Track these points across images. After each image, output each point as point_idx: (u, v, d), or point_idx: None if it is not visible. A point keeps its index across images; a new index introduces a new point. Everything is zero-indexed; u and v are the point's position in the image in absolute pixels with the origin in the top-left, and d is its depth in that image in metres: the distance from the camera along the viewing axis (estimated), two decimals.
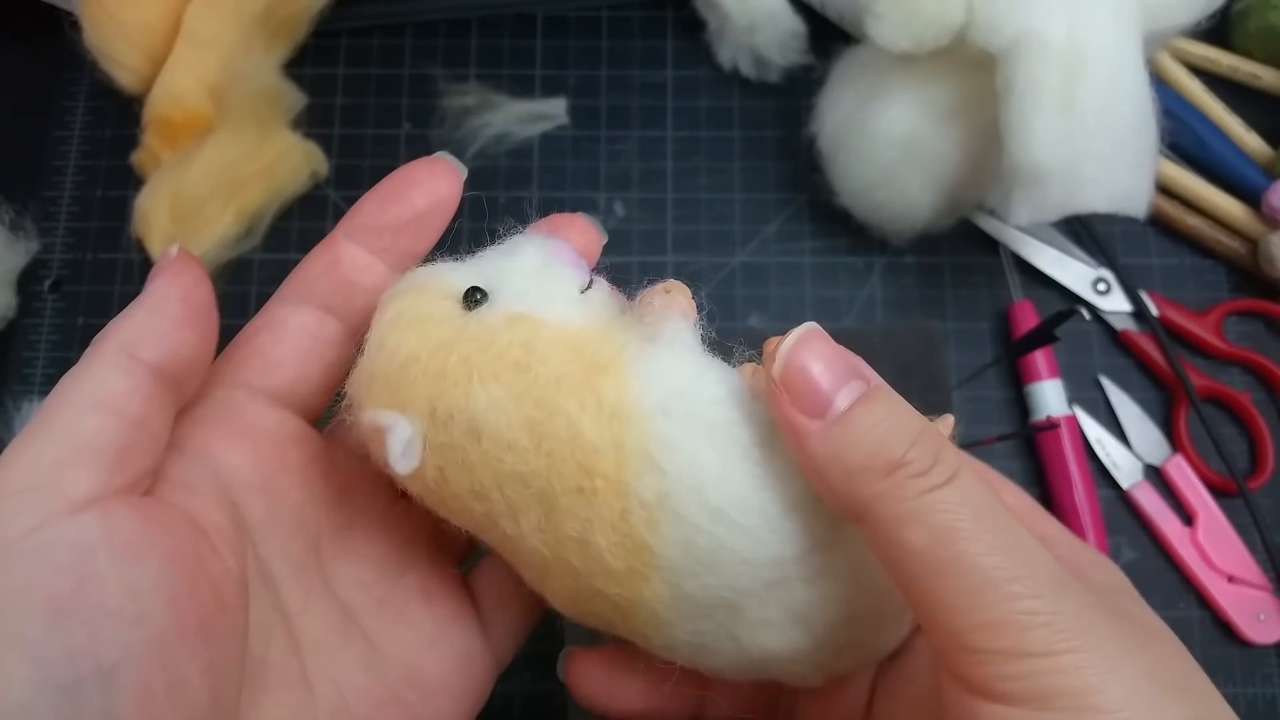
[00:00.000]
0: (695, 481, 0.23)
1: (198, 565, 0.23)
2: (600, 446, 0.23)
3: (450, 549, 0.31)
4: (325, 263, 0.29)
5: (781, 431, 0.23)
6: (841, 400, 0.22)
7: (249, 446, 0.26)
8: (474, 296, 0.25)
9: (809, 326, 0.24)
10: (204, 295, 0.26)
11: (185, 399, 0.26)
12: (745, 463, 0.23)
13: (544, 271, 0.25)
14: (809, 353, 0.23)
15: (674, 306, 0.25)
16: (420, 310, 0.25)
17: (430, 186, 0.29)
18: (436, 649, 0.28)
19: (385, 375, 0.24)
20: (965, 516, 0.21)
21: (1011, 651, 0.20)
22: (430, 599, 0.28)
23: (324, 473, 0.28)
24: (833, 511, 0.23)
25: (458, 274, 0.26)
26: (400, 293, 0.26)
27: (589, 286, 0.26)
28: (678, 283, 0.26)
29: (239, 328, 0.54)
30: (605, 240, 0.31)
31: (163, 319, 0.25)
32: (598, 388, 0.23)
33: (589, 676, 0.29)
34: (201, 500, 0.25)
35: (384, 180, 0.29)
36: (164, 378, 0.24)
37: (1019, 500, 0.30)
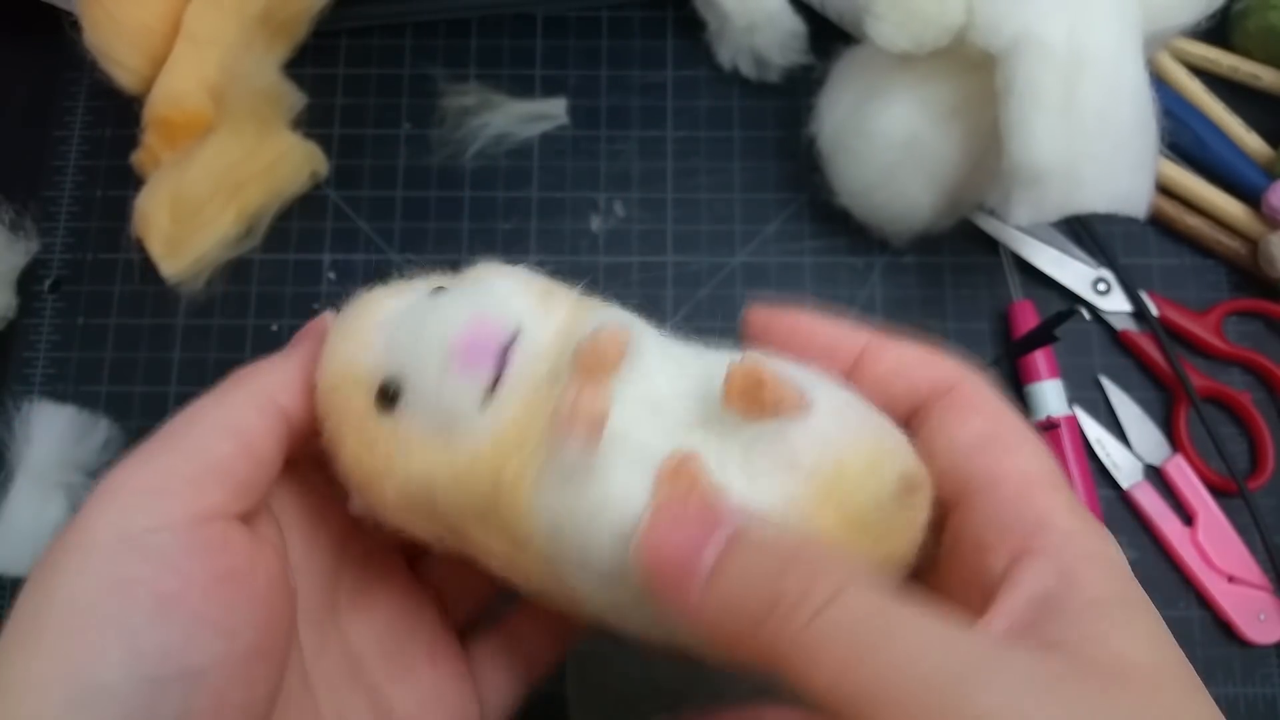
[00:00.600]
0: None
1: (285, 598, 0.25)
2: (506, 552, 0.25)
3: (455, 615, 0.32)
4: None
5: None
6: (708, 557, 0.21)
7: (298, 495, 0.28)
8: (387, 398, 0.25)
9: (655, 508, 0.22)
10: None
11: (293, 455, 0.27)
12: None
13: (443, 384, 0.24)
14: (661, 530, 0.22)
15: (588, 400, 0.23)
16: (343, 401, 0.26)
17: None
18: (437, 707, 0.29)
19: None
20: (862, 634, 0.19)
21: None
22: (435, 660, 0.30)
23: (353, 533, 0.30)
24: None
25: (373, 355, 0.25)
26: (329, 370, 0.26)
27: (495, 382, 0.24)
28: (610, 334, 0.23)
29: (239, 327, 0.54)
30: None
31: (306, 376, 0.27)
32: (498, 528, 0.24)
33: None
34: (274, 534, 0.26)
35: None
36: (290, 430, 0.26)
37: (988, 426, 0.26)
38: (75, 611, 0.22)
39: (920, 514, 0.24)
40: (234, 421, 0.25)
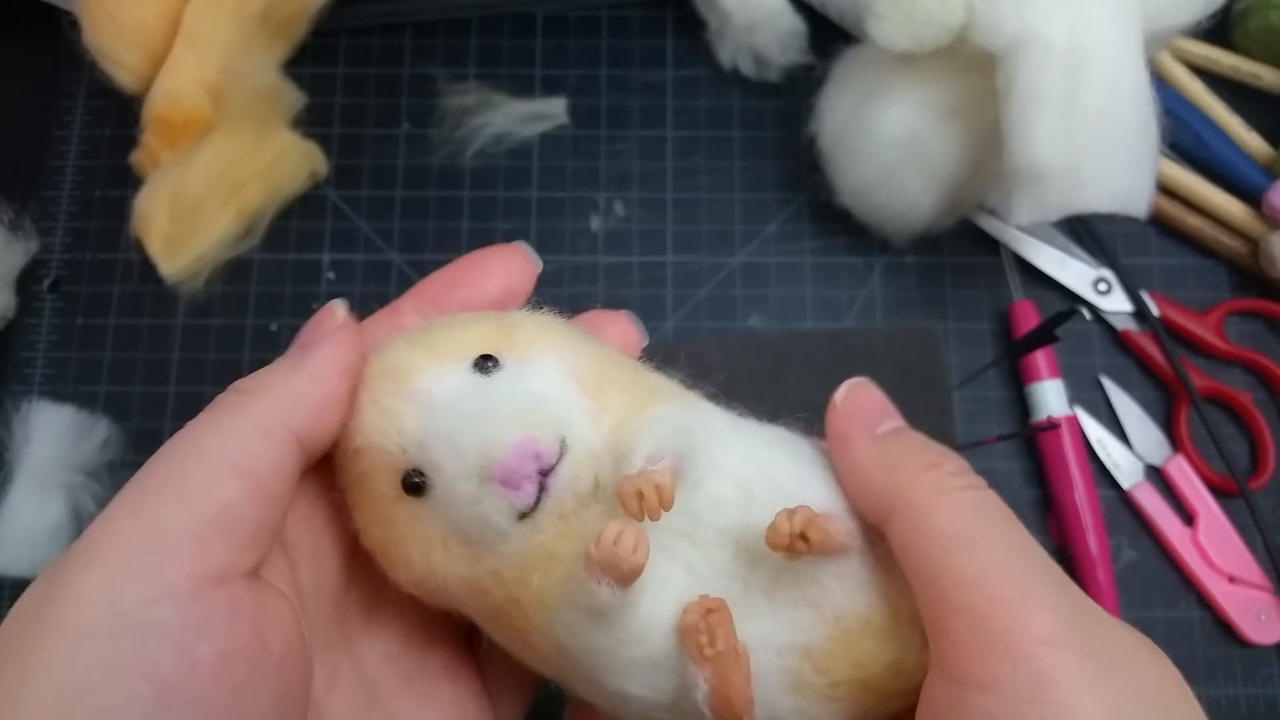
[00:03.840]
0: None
1: (301, 665, 0.22)
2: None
3: (465, 622, 0.30)
4: (388, 331, 0.27)
5: (833, 447, 0.26)
6: (885, 426, 0.26)
7: (304, 511, 0.25)
8: (414, 487, 0.23)
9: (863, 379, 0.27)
10: (359, 373, 0.25)
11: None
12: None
13: (478, 500, 0.23)
14: (863, 390, 0.26)
15: (626, 550, 0.21)
16: (368, 471, 0.24)
17: (504, 276, 0.28)
18: None
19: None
20: (991, 511, 0.23)
21: (1000, 637, 0.21)
22: (454, 676, 0.28)
23: (359, 546, 0.27)
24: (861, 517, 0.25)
25: (403, 434, 0.24)
26: (357, 432, 0.24)
27: (533, 507, 0.23)
28: (655, 479, 0.22)
29: (238, 327, 0.54)
30: (646, 342, 0.30)
31: (322, 393, 0.24)
32: (508, 627, 0.24)
33: None
34: (284, 573, 0.24)
35: (459, 260, 0.28)
36: (305, 453, 0.23)
37: None
38: (67, 698, 0.19)
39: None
40: (241, 456, 0.22)
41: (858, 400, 0.26)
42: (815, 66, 0.51)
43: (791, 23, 0.50)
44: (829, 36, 0.50)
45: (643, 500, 0.21)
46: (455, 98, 0.52)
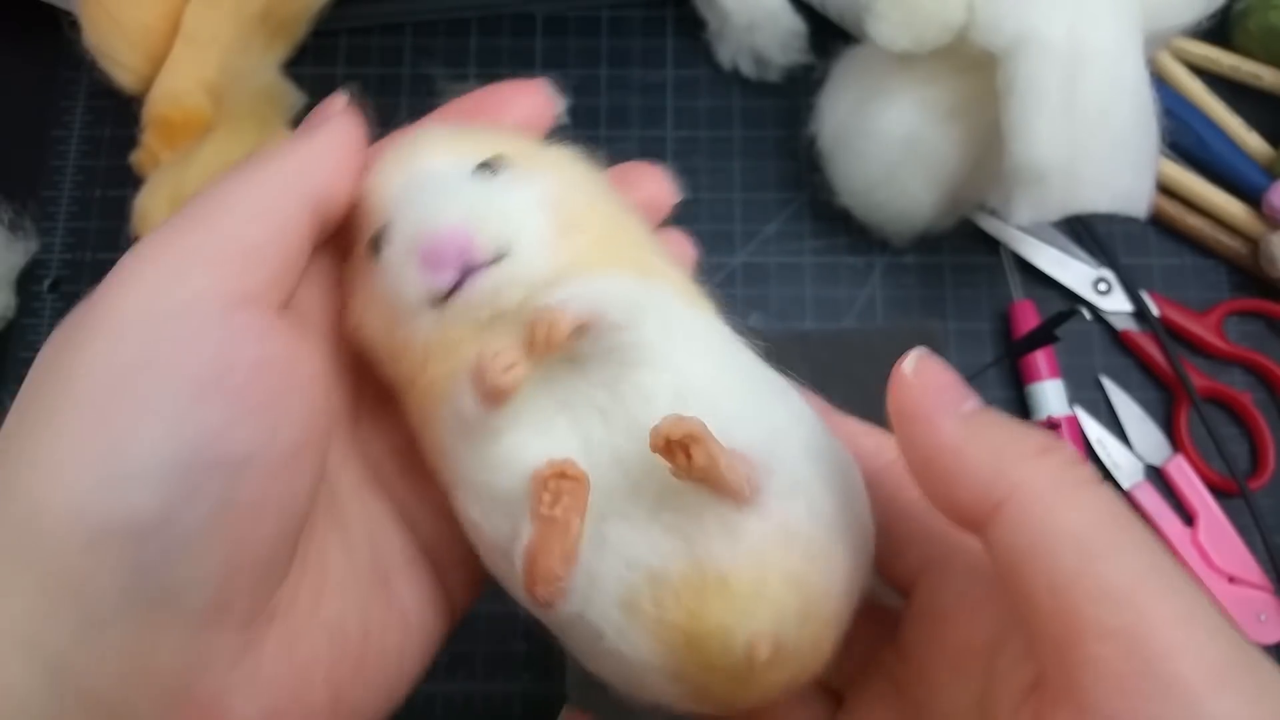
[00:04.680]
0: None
1: (326, 395, 0.23)
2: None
3: None
4: None
5: (905, 426, 0.22)
6: (968, 404, 0.21)
7: (322, 293, 0.26)
8: (374, 246, 0.24)
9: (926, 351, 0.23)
10: (365, 148, 0.25)
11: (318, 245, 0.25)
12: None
13: (403, 268, 0.23)
14: (935, 362, 0.22)
15: (500, 370, 0.21)
16: (357, 241, 0.25)
17: (523, 109, 0.27)
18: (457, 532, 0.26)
19: None
20: (1125, 513, 0.19)
21: (1160, 670, 0.17)
22: None
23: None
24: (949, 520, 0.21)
25: (390, 193, 0.24)
26: (366, 186, 0.25)
27: (444, 297, 0.23)
28: (551, 317, 0.22)
29: None
30: (675, 199, 0.30)
31: (334, 158, 0.24)
32: (412, 409, 0.25)
33: None
34: (310, 330, 0.24)
35: (478, 91, 0.27)
36: (319, 216, 0.24)
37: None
38: (106, 391, 0.20)
39: (765, 685, 0.22)
40: (266, 204, 0.22)
41: (933, 373, 0.22)
42: (815, 66, 0.51)
43: (791, 22, 0.50)
44: (829, 36, 0.50)
45: (533, 332, 0.22)
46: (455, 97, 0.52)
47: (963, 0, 0.41)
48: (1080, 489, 0.19)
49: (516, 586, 0.23)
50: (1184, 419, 0.48)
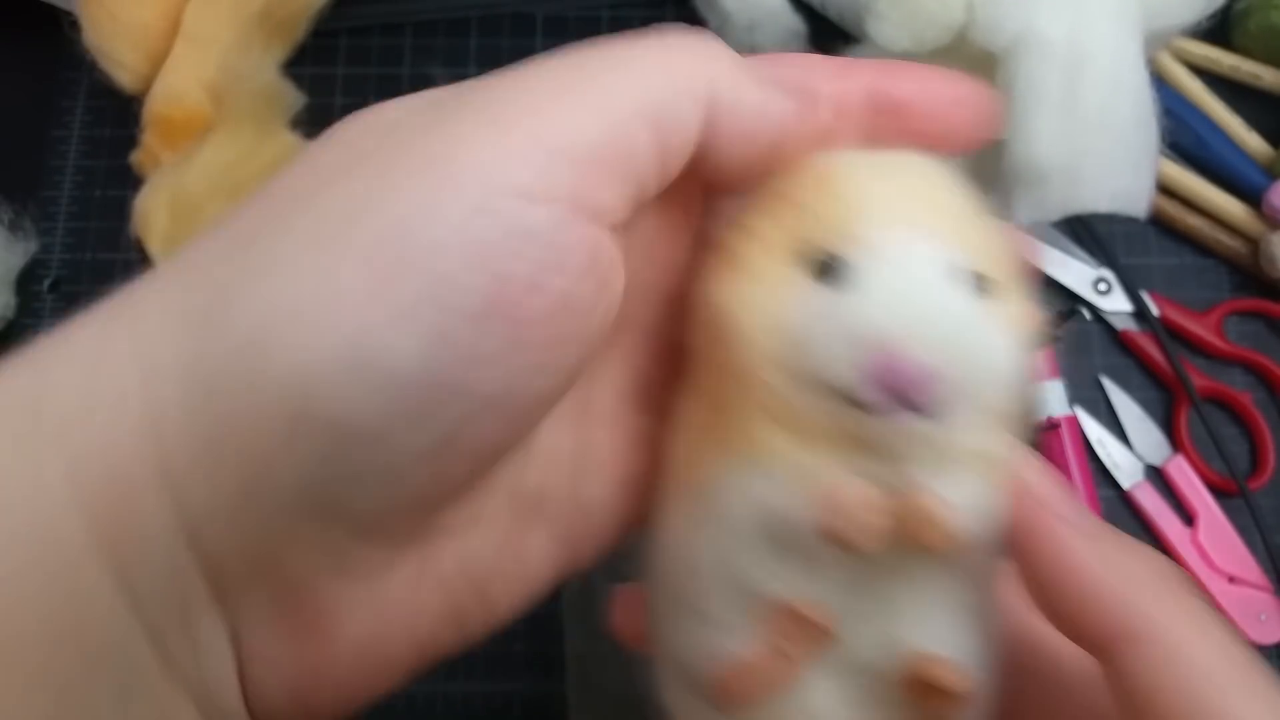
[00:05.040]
0: None
1: (596, 348, 0.20)
2: None
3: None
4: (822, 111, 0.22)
5: (1031, 542, 0.20)
6: (1085, 519, 0.20)
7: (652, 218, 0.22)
8: (823, 269, 0.19)
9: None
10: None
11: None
12: None
13: (826, 341, 0.19)
14: (1050, 475, 0.21)
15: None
16: (766, 237, 0.21)
17: (952, 122, 0.23)
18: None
19: None
20: (1237, 638, 0.19)
21: None
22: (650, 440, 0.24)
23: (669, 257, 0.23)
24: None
25: (829, 223, 0.20)
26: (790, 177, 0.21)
27: (862, 405, 0.19)
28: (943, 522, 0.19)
29: None
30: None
31: (756, 79, 0.20)
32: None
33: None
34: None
35: (913, 70, 0.23)
36: (659, 137, 0.19)
37: None
38: (390, 255, 0.17)
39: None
40: (658, 106, 0.18)
41: (1055, 489, 0.20)
42: None
43: (791, 22, 0.50)
44: (829, 36, 0.50)
45: (916, 525, 0.19)
46: None
47: (963, 0, 0.41)
48: (1208, 621, 0.19)
49: (672, 629, 0.21)
50: (1184, 419, 0.48)
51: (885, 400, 0.18)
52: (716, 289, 0.20)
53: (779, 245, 0.20)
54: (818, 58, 0.22)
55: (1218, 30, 0.51)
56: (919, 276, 0.19)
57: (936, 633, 0.20)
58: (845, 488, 0.19)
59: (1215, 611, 0.19)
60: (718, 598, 0.20)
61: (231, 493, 0.17)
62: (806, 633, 0.20)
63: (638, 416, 0.23)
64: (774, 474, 0.19)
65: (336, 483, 0.17)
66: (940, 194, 0.21)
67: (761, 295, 0.20)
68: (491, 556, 0.22)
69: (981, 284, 0.20)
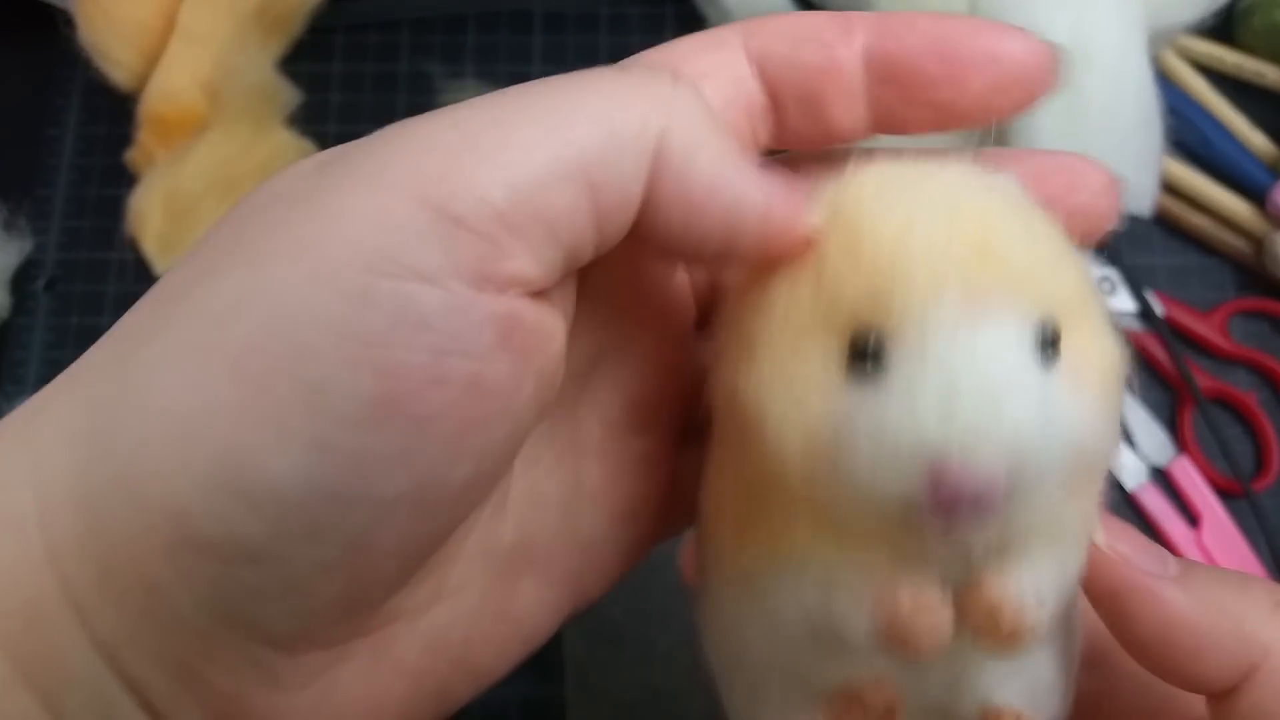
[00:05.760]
0: None
1: (539, 412, 0.18)
2: None
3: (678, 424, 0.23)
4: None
5: (1120, 604, 0.19)
6: (1171, 566, 0.19)
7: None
8: (858, 354, 0.17)
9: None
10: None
11: None
12: None
13: (873, 450, 0.17)
14: (1128, 529, 0.20)
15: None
16: (792, 308, 0.18)
17: (999, 75, 0.21)
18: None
19: None
20: None
21: None
22: (651, 466, 0.23)
23: (644, 282, 0.21)
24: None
25: (867, 289, 0.17)
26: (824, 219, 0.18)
27: (925, 522, 0.17)
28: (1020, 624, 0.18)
29: None
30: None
31: (721, 141, 0.17)
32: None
33: None
34: (563, 300, 0.19)
35: (941, 18, 0.20)
36: (595, 194, 0.17)
37: None
38: (268, 340, 0.15)
39: None
40: (590, 159, 0.16)
41: (1130, 541, 0.19)
42: None
43: None
44: None
45: (992, 622, 0.17)
46: (453, 95, 0.52)
47: (964, 1, 0.41)
48: None
49: (737, 701, 0.21)
50: (1188, 419, 0.48)
51: (944, 519, 0.16)
52: (738, 378, 0.18)
53: (804, 319, 0.17)
54: (813, 15, 0.20)
55: (1222, 28, 0.51)
56: (975, 360, 0.16)
57: (1010, 684, 0.19)
58: (901, 592, 0.17)
59: None
60: (777, 685, 0.20)
61: (136, 616, 0.16)
62: (872, 712, 0.19)
63: (631, 441, 0.22)
64: (823, 579, 0.18)
65: (233, 604, 0.16)
66: (995, 229, 0.18)
67: (792, 393, 0.17)
68: (465, 625, 0.21)
69: (1053, 342, 0.18)
